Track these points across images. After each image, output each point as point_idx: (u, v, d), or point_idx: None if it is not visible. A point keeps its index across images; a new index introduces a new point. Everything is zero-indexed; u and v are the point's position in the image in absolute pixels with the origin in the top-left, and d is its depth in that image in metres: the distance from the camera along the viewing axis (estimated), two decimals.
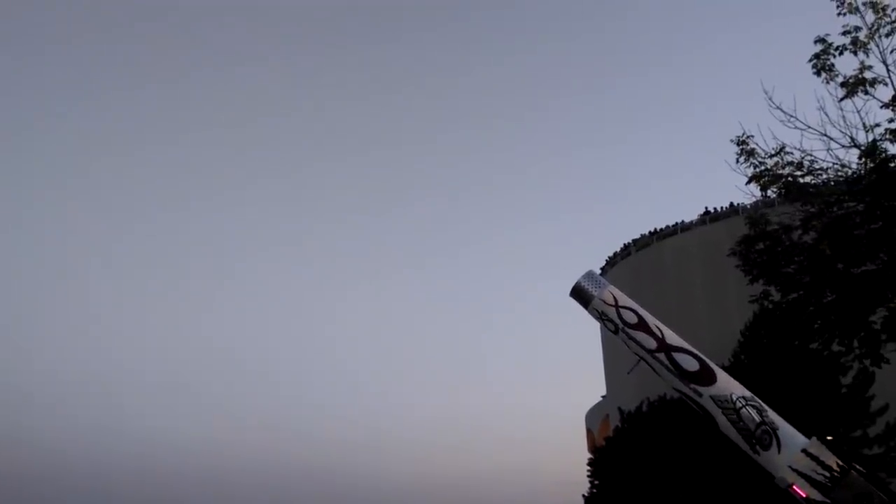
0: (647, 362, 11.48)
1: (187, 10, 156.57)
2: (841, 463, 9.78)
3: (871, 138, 21.44)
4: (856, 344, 23.74)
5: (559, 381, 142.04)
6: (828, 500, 9.54)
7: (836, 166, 22.17)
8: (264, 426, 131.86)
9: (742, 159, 22.98)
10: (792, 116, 22.02)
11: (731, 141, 23.03)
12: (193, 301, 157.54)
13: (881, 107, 21.29)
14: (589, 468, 44.26)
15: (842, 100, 21.61)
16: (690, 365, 11.12)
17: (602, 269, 69.76)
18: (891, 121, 21.33)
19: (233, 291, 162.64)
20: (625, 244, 70.69)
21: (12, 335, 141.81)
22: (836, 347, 25.72)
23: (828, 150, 21.93)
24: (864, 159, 21.62)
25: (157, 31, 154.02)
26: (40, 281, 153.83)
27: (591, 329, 69.65)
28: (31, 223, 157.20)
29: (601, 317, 11.94)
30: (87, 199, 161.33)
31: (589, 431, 71.17)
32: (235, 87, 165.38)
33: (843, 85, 21.62)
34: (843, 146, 21.78)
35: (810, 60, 22.11)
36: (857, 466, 9.93)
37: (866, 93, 21.34)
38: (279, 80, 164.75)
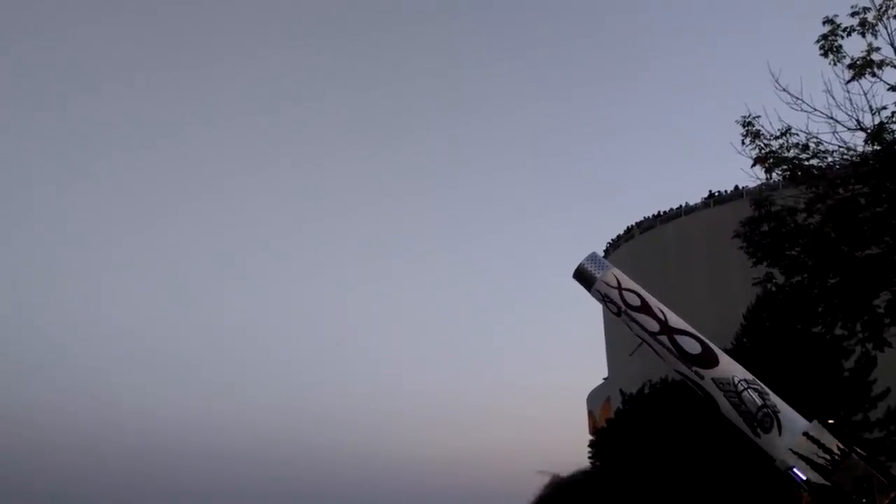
0: (649, 345, 11.45)
1: (188, 4, 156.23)
2: (842, 446, 9.78)
3: (877, 121, 21.27)
4: (859, 327, 23.71)
5: (561, 363, 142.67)
6: (828, 483, 9.55)
7: (841, 149, 22.02)
8: (271, 408, 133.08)
9: (748, 140, 22.81)
10: (798, 99, 21.83)
11: (737, 122, 22.85)
12: (202, 288, 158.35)
13: (888, 89, 21.07)
14: (590, 450, 44.46)
15: (849, 82, 21.39)
16: (693, 347, 11.09)
17: (605, 251, 69.66)
18: None
19: (242, 278, 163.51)
20: (628, 227, 70.60)
21: (21, 317, 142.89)
22: (838, 331, 25.71)
23: (834, 132, 21.76)
24: (870, 142, 21.46)
25: (158, 27, 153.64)
26: (45, 263, 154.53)
27: (593, 311, 69.74)
28: (34, 208, 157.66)
29: (604, 299, 11.89)
30: (95, 191, 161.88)
31: (590, 413, 71.44)
32: (240, 81, 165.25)
33: (850, 67, 21.38)
34: (849, 129, 21.60)
35: (818, 41, 21.86)
36: (858, 450, 9.93)
37: (874, 75, 21.11)
38: (285, 72, 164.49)
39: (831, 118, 21.53)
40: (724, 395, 10.65)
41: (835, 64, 21.64)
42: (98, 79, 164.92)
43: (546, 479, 2.12)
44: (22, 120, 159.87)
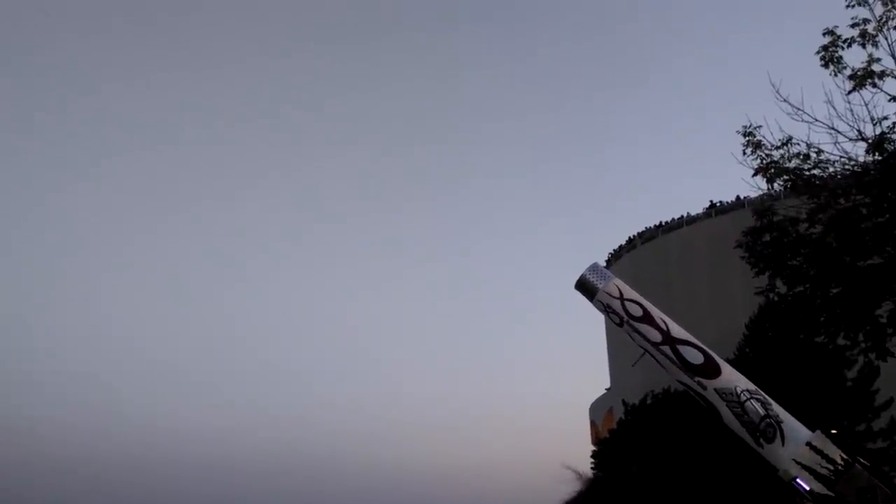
0: (651, 355, 11.49)
1: (188, 6, 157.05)
2: (845, 456, 9.79)
3: (878, 131, 21.32)
4: (861, 337, 23.70)
5: (563, 373, 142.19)
6: (831, 494, 9.54)
7: (843, 159, 22.06)
8: (271, 416, 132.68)
9: (749, 151, 22.87)
10: (799, 109, 21.88)
11: (738, 132, 22.91)
12: (203, 294, 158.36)
13: (889, 100, 21.13)
14: (592, 460, 44.33)
15: (849, 93, 21.45)
16: (695, 358, 11.13)
17: (607, 261, 69.63)
18: None
19: (242, 285, 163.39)
20: (630, 237, 70.55)
21: (21, 325, 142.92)
22: (841, 341, 25.67)
23: (835, 143, 21.81)
24: (871, 152, 21.51)
25: (158, 29, 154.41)
26: (48, 273, 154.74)
27: (595, 321, 69.62)
28: (36, 214, 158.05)
29: (606, 309, 11.95)
30: (96, 195, 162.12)
31: (593, 424, 71.23)
32: (242, 84, 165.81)
33: (850, 78, 21.44)
34: (851, 139, 21.66)
35: (818, 52, 21.94)
36: (861, 460, 9.94)
37: (874, 85, 21.17)
38: (286, 76, 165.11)
39: (832, 128, 21.61)
40: (727, 406, 10.67)
41: (835, 75, 21.73)
42: (98, 80, 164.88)
43: (571, 475, 2.07)
44: (22, 121, 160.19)
